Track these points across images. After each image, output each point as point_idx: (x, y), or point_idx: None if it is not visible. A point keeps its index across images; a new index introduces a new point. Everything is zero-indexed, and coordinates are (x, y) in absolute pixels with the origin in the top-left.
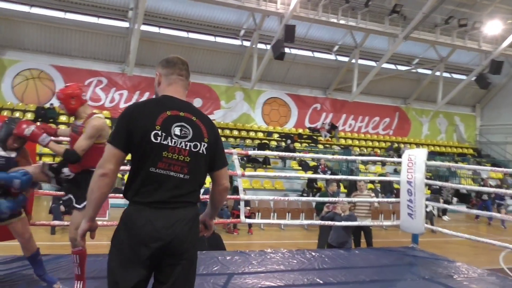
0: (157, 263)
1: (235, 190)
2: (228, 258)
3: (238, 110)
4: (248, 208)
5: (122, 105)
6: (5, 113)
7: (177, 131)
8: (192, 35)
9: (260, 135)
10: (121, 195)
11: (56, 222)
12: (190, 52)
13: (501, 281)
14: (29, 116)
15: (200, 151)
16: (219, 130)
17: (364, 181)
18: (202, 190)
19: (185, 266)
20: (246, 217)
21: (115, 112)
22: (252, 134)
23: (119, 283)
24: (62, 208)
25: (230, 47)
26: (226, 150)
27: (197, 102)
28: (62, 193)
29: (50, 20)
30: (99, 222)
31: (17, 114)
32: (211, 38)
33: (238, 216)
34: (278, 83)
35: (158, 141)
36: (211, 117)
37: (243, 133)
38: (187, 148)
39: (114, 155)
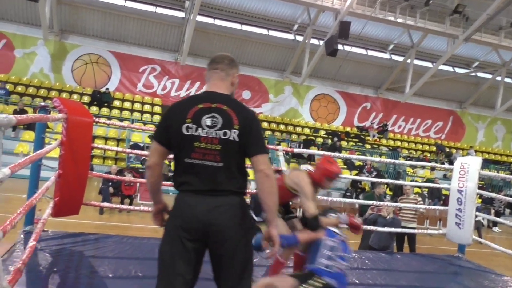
0: (203, 248)
1: None
2: (268, 251)
3: (286, 104)
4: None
5: (173, 93)
6: (64, 95)
7: (208, 122)
8: (245, 28)
9: (307, 131)
10: (167, 182)
11: (106, 204)
12: (242, 45)
13: None
14: (86, 99)
15: (231, 138)
16: (265, 124)
17: (411, 185)
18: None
19: (228, 256)
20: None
21: (166, 100)
22: (298, 129)
23: (164, 262)
24: (111, 189)
25: (282, 41)
26: (271, 146)
27: (246, 94)
28: (112, 176)
29: (110, 7)
30: (146, 208)
31: (74, 97)
32: (264, 31)
33: None
34: (329, 79)
35: (189, 133)
36: (258, 110)
37: (290, 128)
38: (217, 136)
39: (155, 149)
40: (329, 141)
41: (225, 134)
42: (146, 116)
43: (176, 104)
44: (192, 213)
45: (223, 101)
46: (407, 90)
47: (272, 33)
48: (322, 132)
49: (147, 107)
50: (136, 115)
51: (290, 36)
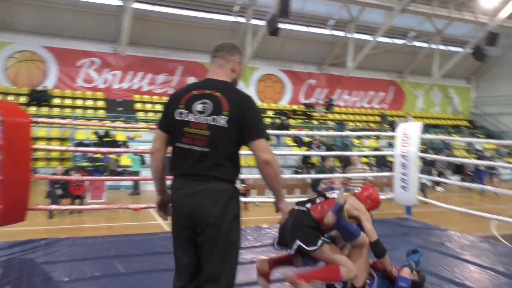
0: (193, 232)
1: None
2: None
3: None
4: (244, 185)
5: (116, 86)
6: None
7: (199, 107)
8: (185, 12)
9: None
10: (116, 177)
11: (54, 207)
12: (184, 30)
13: (493, 247)
14: (23, 99)
15: (219, 124)
16: None
17: (358, 156)
18: None
19: (208, 242)
20: (241, 194)
21: (109, 93)
22: None
23: (174, 253)
24: (59, 191)
25: (224, 24)
26: None
27: (191, 81)
28: (58, 177)
29: (41, 0)
30: (97, 206)
31: (10, 98)
32: (204, 15)
33: None
34: (272, 59)
35: (181, 118)
36: None
37: None
38: (206, 122)
39: (158, 136)
40: (277, 121)
41: (214, 120)
42: (89, 112)
43: (175, 92)
44: (178, 197)
45: (217, 88)
46: (349, 64)
47: (213, 16)
48: (270, 112)
49: (89, 103)
50: (79, 111)
51: (231, 18)
